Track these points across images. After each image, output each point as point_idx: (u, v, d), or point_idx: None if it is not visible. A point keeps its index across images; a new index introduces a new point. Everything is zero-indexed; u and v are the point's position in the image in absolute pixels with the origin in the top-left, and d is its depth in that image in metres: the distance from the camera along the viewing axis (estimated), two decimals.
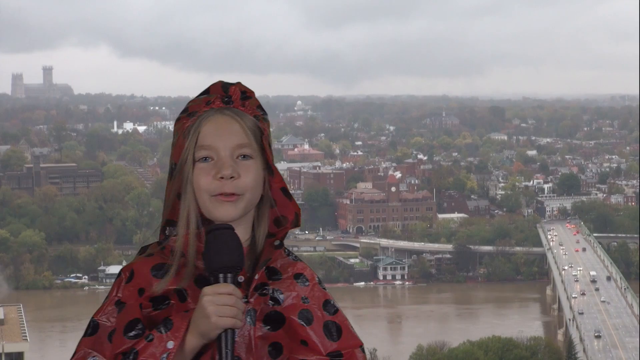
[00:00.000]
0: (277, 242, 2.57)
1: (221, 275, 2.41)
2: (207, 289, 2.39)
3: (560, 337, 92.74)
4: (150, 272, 2.53)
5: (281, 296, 2.53)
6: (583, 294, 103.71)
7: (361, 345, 2.56)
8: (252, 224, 2.59)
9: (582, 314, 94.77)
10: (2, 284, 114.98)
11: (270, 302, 2.52)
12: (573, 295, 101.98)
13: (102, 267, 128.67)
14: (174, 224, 2.57)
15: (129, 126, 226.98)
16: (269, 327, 2.51)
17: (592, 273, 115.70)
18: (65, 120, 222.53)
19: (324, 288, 2.60)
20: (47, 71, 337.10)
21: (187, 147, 2.53)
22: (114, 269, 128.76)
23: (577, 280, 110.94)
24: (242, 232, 2.54)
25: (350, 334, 2.55)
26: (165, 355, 2.39)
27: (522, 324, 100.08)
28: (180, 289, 2.51)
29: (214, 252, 2.41)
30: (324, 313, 2.54)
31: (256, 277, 2.52)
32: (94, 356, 2.47)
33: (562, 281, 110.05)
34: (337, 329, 2.54)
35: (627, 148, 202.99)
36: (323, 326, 2.52)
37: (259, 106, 2.60)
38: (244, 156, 2.52)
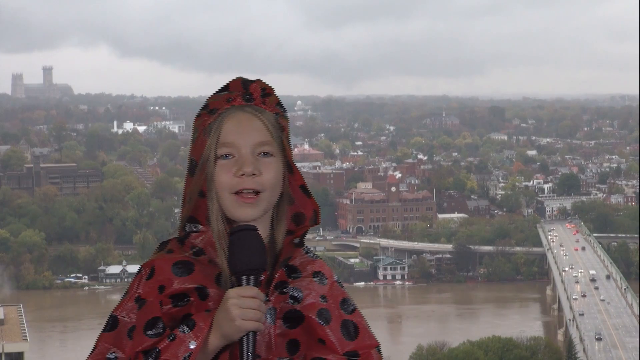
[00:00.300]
0: (296, 240, 2.57)
1: (244, 277, 2.41)
2: (231, 292, 2.40)
3: (560, 337, 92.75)
4: (172, 269, 2.51)
5: (300, 295, 2.52)
6: (584, 296, 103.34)
7: (378, 346, 2.55)
8: (271, 221, 2.58)
9: (582, 315, 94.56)
10: (4, 284, 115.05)
11: (289, 300, 2.52)
12: (574, 297, 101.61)
13: (102, 267, 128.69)
14: (195, 221, 2.57)
15: (129, 126, 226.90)
16: (288, 325, 2.51)
17: (592, 272, 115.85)
18: (65, 120, 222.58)
19: (342, 286, 2.59)
20: (47, 71, 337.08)
21: (209, 144, 2.53)
22: (114, 269, 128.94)
23: (577, 282, 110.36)
24: (262, 230, 2.53)
25: (367, 334, 2.54)
26: (187, 355, 2.39)
27: (522, 324, 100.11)
28: (201, 287, 2.50)
29: (237, 253, 2.42)
30: (341, 312, 2.53)
31: (276, 275, 2.52)
32: (113, 352, 2.47)
33: (562, 281, 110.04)
34: (354, 328, 2.53)
35: (627, 148, 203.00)
36: (341, 325, 2.52)
37: (279, 103, 2.61)
38: (265, 154, 2.52)
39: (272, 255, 2.55)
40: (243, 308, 2.37)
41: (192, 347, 2.39)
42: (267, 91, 2.60)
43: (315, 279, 2.55)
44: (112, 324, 2.50)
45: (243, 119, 2.54)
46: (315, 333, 2.51)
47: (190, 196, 2.57)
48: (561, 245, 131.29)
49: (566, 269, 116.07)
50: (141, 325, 2.46)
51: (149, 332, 2.45)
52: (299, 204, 2.58)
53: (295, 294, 2.52)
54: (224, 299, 2.40)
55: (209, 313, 2.44)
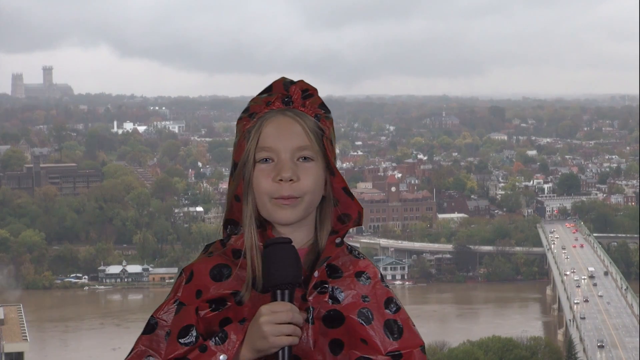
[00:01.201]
0: (337, 240, 2.54)
1: (279, 292, 2.38)
2: (263, 309, 2.37)
3: (560, 337, 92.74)
4: (209, 274, 2.50)
5: (341, 294, 2.49)
6: (586, 301, 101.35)
7: (422, 345, 2.50)
8: (314, 225, 2.56)
9: (584, 318, 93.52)
10: (5, 284, 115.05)
11: (329, 300, 2.48)
12: (575, 301, 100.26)
13: (102, 267, 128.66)
14: (234, 223, 2.55)
15: (129, 126, 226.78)
16: (328, 325, 2.47)
17: (591, 269, 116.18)
18: (65, 120, 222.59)
19: (387, 286, 2.55)
20: (47, 71, 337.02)
21: (247, 148, 2.50)
22: (114, 269, 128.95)
23: (579, 286, 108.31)
24: (305, 234, 2.54)
25: (411, 333, 2.50)
26: None
27: (522, 324, 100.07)
28: (237, 292, 2.48)
29: (272, 267, 2.39)
30: (385, 312, 2.49)
31: (315, 274, 2.49)
32: (150, 355, 2.47)
33: (562, 281, 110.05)
34: (398, 327, 2.48)
35: (627, 148, 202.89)
36: (384, 325, 2.47)
37: (322, 104, 2.57)
38: (305, 158, 2.50)
39: (314, 257, 2.53)
40: (275, 324, 2.34)
41: None
42: (309, 92, 2.56)
43: (358, 279, 2.52)
44: (152, 326, 2.50)
45: (283, 123, 2.50)
46: (357, 333, 2.46)
47: (230, 199, 2.55)
48: (563, 249, 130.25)
49: (568, 272, 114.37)
50: (175, 331, 2.45)
51: (182, 340, 2.43)
52: (344, 206, 2.55)
53: (336, 294, 2.49)
54: (256, 316, 2.38)
55: (242, 325, 2.41)
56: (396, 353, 2.45)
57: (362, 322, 2.46)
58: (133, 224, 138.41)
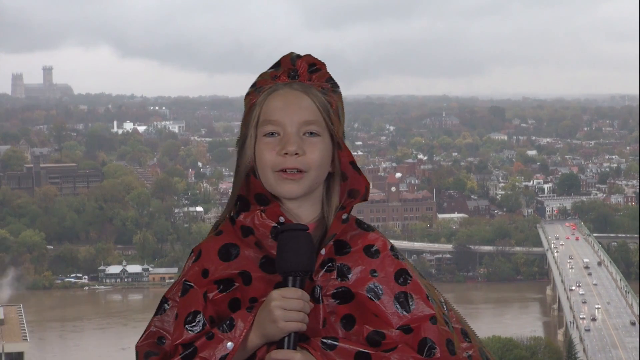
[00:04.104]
0: (344, 216, 2.45)
1: (290, 278, 2.35)
2: (274, 294, 2.33)
3: (560, 337, 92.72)
4: (218, 253, 2.45)
5: (349, 271, 2.42)
6: (594, 319, 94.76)
7: (433, 316, 2.44)
8: (321, 200, 2.49)
9: (588, 330, 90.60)
10: (5, 284, 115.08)
11: (337, 278, 2.42)
12: (581, 316, 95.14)
13: (102, 267, 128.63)
14: (244, 200, 2.48)
15: (129, 126, 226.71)
16: (338, 301, 2.41)
17: (585, 259, 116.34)
18: (65, 120, 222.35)
19: (398, 257, 2.47)
20: (47, 71, 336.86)
21: (251, 122, 2.47)
22: (114, 269, 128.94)
23: (585, 302, 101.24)
24: (311, 210, 2.47)
25: (422, 305, 2.43)
26: (224, 355, 2.33)
27: (522, 324, 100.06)
28: (245, 272, 2.44)
29: (286, 253, 2.35)
30: (395, 284, 2.43)
31: (322, 252, 2.42)
32: (161, 336, 2.45)
33: (562, 281, 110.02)
34: (408, 300, 2.42)
35: (627, 148, 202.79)
36: (394, 298, 2.41)
37: (329, 78, 2.52)
38: (311, 133, 2.44)
39: (321, 233, 2.46)
40: (286, 310, 2.31)
41: (229, 348, 2.34)
42: (316, 66, 2.51)
43: (366, 253, 2.45)
44: (163, 307, 2.47)
45: (290, 96, 2.45)
46: (367, 308, 2.40)
47: (238, 175, 2.49)
48: (571, 258, 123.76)
49: (573, 287, 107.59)
50: (183, 316, 2.40)
51: (189, 327, 2.39)
52: (352, 180, 2.47)
53: (344, 270, 2.42)
54: (267, 300, 2.34)
55: (249, 313, 2.37)
56: (406, 327, 2.40)
57: (372, 298, 2.40)
58: (133, 224, 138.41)
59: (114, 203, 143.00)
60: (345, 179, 2.47)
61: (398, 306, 2.41)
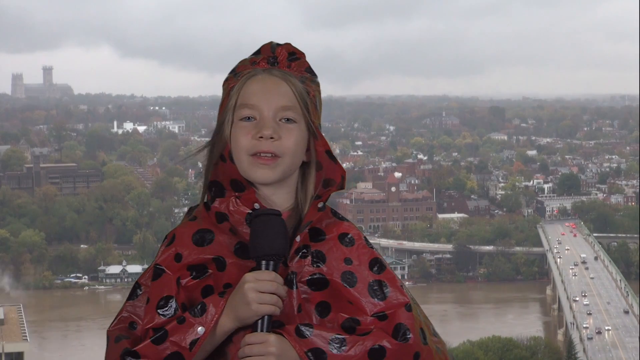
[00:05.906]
0: (320, 205, 2.46)
1: (264, 262, 2.34)
2: (248, 276, 2.33)
3: (560, 337, 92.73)
4: (192, 238, 2.46)
5: (324, 257, 2.43)
6: (599, 332, 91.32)
7: (407, 304, 2.44)
8: (295, 187, 2.49)
9: (590, 339, 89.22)
10: (5, 284, 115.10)
11: (313, 264, 2.43)
12: (584, 325, 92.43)
13: (102, 267, 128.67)
14: (218, 185, 2.49)
15: (129, 126, 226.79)
16: (313, 288, 2.42)
17: (583, 255, 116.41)
18: (65, 120, 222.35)
19: (371, 247, 2.48)
20: (47, 71, 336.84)
21: (228, 106, 2.46)
22: (114, 269, 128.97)
23: (590, 313, 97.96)
24: (286, 197, 2.47)
25: (396, 293, 2.44)
26: (195, 340, 2.32)
27: (522, 324, 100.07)
28: (219, 257, 2.43)
29: (259, 237, 2.35)
30: (369, 272, 2.43)
31: (297, 239, 2.43)
32: (132, 321, 2.45)
33: (562, 281, 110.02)
34: (382, 288, 2.43)
35: (627, 148, 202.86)
36: (368, 286, 2.42)
37: (309, 68, 2.52)
38: (288, 119, 2.44)
39: (296, 221, 2.46)
40: (260, 292, 2.31)
41: (200, 332, 2.33)
42: (296, 55, 2.52)
43: (341, 241, 2.45)
44: (135, 292, 2.48)
45: (268, 82, 2.45)
46: (342, 296, 2.41)
47: (213, 160, 2.49)
48: (575, 265, 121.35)
49: (577, 298, 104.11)
50: (155, 300, 2.40)
51: (161, 311, 2.38)
52: (327, 170, 2.49)
53: (318, 257, 2.43)
54: (240, 282, 2.34)
55: (222, 298, 2.36)
56: (381, 314, 2.40)
57: (346, 285, 2.40)
58: (133, 224, 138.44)
59: (114, 203, 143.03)
60: (320, 168, 2.48)
61: (372, 294, 2.41)
